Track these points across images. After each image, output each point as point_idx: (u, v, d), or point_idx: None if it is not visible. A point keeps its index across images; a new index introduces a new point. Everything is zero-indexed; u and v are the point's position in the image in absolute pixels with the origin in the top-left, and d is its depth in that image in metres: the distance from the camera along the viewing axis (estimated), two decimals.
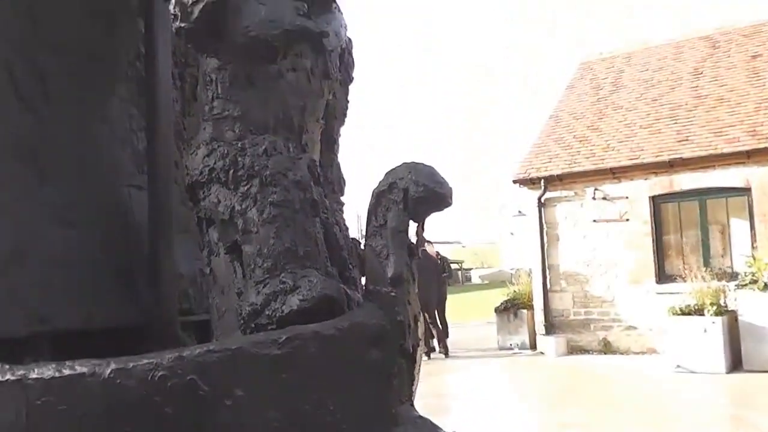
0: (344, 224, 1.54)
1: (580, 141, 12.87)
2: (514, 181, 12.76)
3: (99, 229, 1.58)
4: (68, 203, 1.53)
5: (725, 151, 10.78)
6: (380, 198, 1.30)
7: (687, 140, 11.48)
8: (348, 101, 1.69)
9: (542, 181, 12.26)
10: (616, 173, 11.72)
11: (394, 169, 1.33)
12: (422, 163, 1.32)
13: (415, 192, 1.27)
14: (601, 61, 16.01)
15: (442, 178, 1.29)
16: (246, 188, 1.31)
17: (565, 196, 12.24)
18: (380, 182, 1.33)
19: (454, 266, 29.98)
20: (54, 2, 1.53)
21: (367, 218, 1.31)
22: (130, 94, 1.77)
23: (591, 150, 12.41)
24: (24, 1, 1.50)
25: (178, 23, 1.15)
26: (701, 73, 13.39)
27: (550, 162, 12.59)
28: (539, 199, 12.34)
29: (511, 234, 34.38)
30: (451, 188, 1.31)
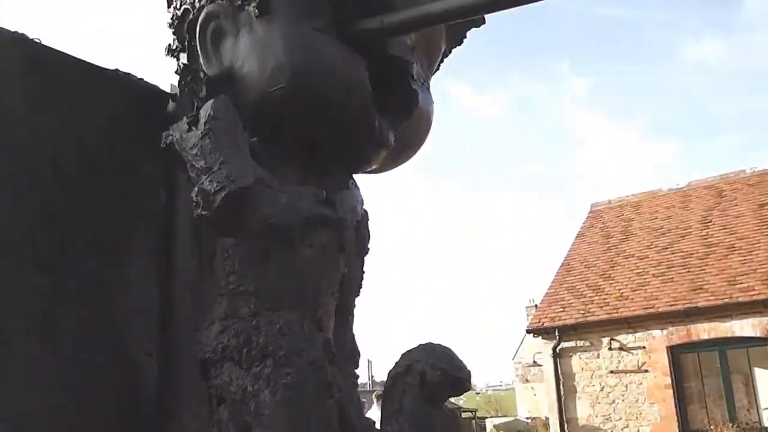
0: (358, 402, 1.49)
1: (593, 290, 12.80)
2: (528, 331, 12.60)
3: (108, 401, 1.54)
4: (80, 379, 1.49)
5: (741, 300, 10.68)
6: (396, 381, 1.26)
7: (701, 289, 11.40)
8: (363, 272, 1.69)
9: (556, 330, 12.09)
10: (631, 323, 11.56)
11: (410, 350, 1.30)
12: (440, 345, 1.29)
13: (433, 376, 1.23)
14: (609, 208, 16.26)
15: (461, 362, 1.26)
16: (259, 369, 1.28)
17: (581, 346, 12.01)
18: (396, 364, 1.29)
19: (467, 415, 28.92)
20: (82, 171, 1.57)
21: (383, 401, 1.27)
22: (149, 265, 1.78)
23: (604, 299, 12.32)
24: (53, 171, 1.54)
25: (199, 210, 1.17)
26: (710, 222, 13.53)
27: (563, 311, 12.47)
28: (554, 349, 12.10)
29: (526, 381, 33.51)
30: (469, 372, 1.28)
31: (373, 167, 1.44)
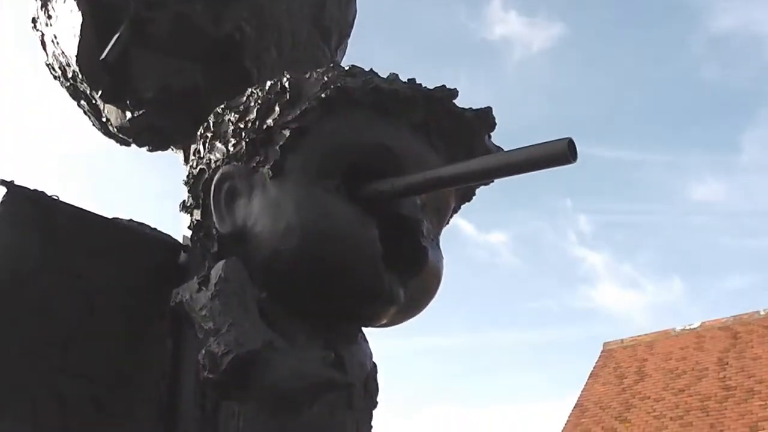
0: None
1: None
2: None
3: None
4: None
5: None
6: None
7: None
8: (371, 427, 1.64)
9: None
10: None
11: None
12: None
13: None
14: (622, 348, 15.97)
15: None
16: None
17: None
18: None
19: None
20: (88, 330, 1.56)
21: None
22: (149, 415, 1.73)
23: None
24: (58, 329, 1.53)
25: (206, 373, 1.15)
26: (727, 363, 13.24)
27: None
28: None
29: None
30: None
31: (383, 322, 1.43)
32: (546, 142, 1.14)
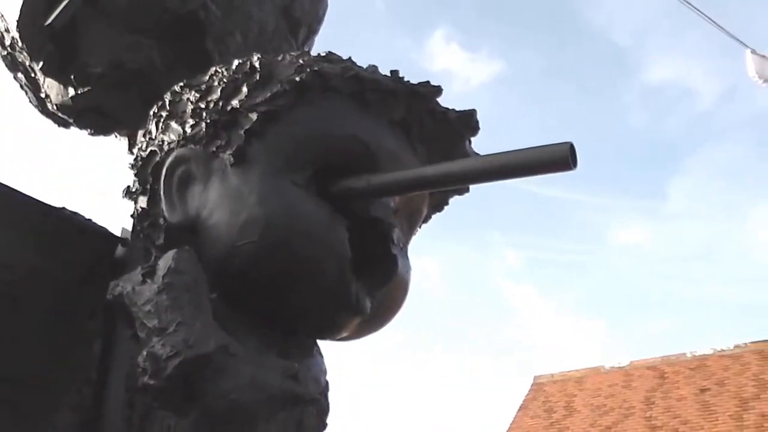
0: None
1: None
2: None
3: None
4: None
5: None
6: None
7: None
8: None
9: None
10: None
11: None
12: None
13: None
14: (552, 382, 16.11)
15: None
16: None
17: None
18: None
19: None
20: (8, 326, 1.38)
21: None
22: (69, 424, 1.55)
23: None
24: None
25: (146, 379, 0.99)
26: (653, 403, 13.46)
27: None
28: None
29: None
30: None
31: (344, 335, 1.29)
32: (545, 146, 1.03)
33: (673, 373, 14.28)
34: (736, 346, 14.34)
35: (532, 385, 16.04)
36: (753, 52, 8.72)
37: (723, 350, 14.36)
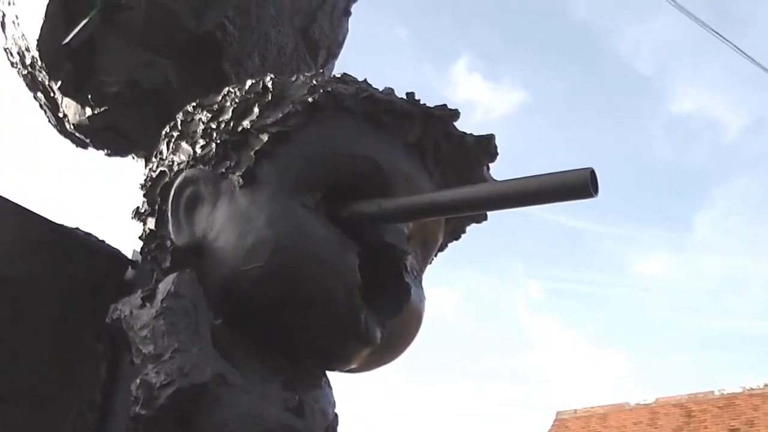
0: None
1: None
2: None
3: None
4: None
5: None
6: None
7: None
8: None
9: None
10: None
11: None
12: None
13: None
14: (575, 418, 15.80)
15: None
16: None
17: None
18: None
19: None
20: (10, 342, 1.36)
21: None
22: None
23: None
24: None
25: (137, 408, 0.94)
26: None
27: None
28: None
29: None
30: None
31: (353, 366, 1.24)
32: (564, 171, 0.98)
33: (700, 411, 13.93)
34: (766, 385, 13.98)
35: (555, 420, 15.74)
36: None
37: (753, 389, 14.01)
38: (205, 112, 1.29)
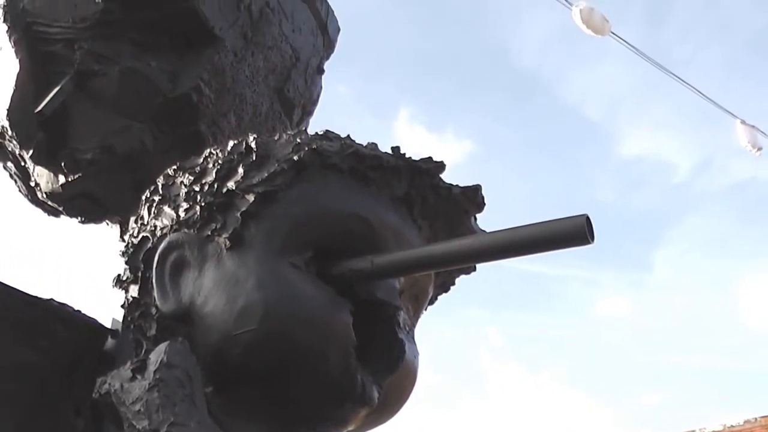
0: None
1: None
2: None
3: None
4: None
5: None
6: None
7: None
8: None
9: None
10: None
11: None
12: None
13: None
14: None
15: None
16: None
17: None
18: None
19: None
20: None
21: None
22: None
23: None
24: None
25: None
26: None
27: None
28: None
29: None
30: None
31: (349, 428, 1.20)
32: (559, 219, 0.98)
33: None
34: (747, 421, 13.99)
35: None
36: (743, 122, 8.81)
37: (733, 426, 14.00)
38: (186, 175, 1.26)
